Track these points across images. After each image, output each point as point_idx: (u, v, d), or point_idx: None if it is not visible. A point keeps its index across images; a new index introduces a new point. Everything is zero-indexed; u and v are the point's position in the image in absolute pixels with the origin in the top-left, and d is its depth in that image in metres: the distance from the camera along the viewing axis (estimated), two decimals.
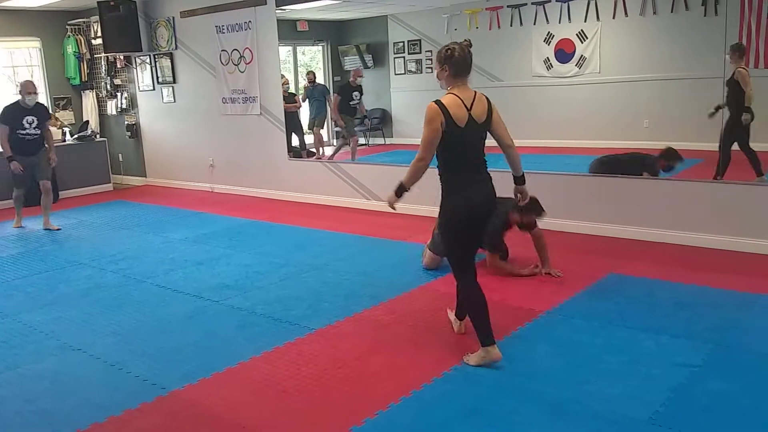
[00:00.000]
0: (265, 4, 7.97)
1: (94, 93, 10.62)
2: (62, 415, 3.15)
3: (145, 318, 4.42)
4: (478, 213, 3.45)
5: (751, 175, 5.57)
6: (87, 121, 10.28)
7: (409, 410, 3.04)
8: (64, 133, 9.83)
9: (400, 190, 3.50)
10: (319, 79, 9.70)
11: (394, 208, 3.65)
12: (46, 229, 7.30)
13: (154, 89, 9.81)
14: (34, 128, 7.02)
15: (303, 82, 9.60)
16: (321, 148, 9.19)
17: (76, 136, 9.90)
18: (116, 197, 9.42)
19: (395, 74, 9.27)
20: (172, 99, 9.62)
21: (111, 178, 10.23)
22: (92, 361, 3.76)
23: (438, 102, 3.32)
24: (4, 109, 6.99)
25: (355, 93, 8.86)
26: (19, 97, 7.02)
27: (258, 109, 8.45)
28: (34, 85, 7.11)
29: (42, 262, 5.96)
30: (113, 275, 5.43)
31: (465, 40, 3.46)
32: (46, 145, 7.23)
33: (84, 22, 10.29)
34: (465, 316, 3.82)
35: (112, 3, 9.21)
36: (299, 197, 8.22)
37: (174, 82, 9.51)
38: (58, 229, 7.27)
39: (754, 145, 5.67)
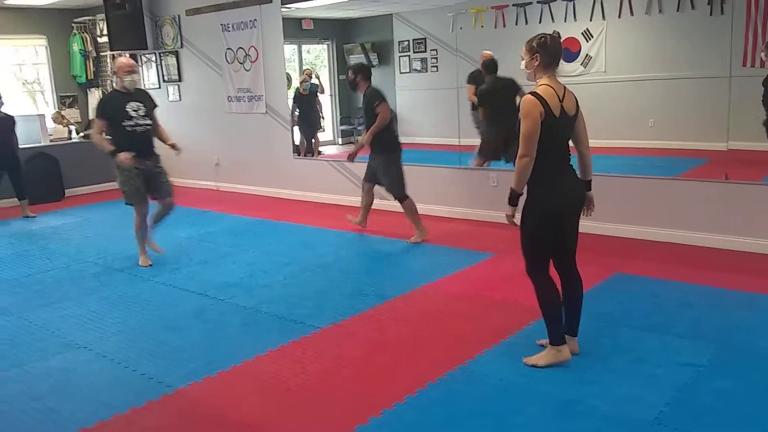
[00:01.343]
0: (271, 2, 7.98)
1: (100, 91, 10.64)
2: (68, 413, 3.17)
3: (151, 316, 4.43)
4: (576, 205, 3.40)
5: (757, 175, 5.54)
6: (93, 119, 10.30)
7: (414, 409, 3.04)
8: (70, 131, 9.85)
9: (514, 198, 3.29)
10: (324, 78, 9.72)
11: (514, 223, 3.37)
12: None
13: (159, 87, 9.83)
14: (143, 116, 5.41)
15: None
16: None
17: (82, 134, 9.92)
18: (122, 196, 9.42)
19: (400, 73, 9.26)
20: (178, 97, 9.63)
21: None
22: (98, 359, 3.77)
23: (534, 93, 3.21)
24: (101, 100, 5.69)
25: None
26: (116, 81, 5.54)
27: (263, 107, 8.46)
28: (132, 63, 5.44)
29: (48, 260, 5.98)
30: (119, 273, 5.45)
31: (554, 32, 3.35)
32: (164, 141, 5.79)
33: (90, 20, 10.32)
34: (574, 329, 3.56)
35: (117, 1, 9.23)
36: (304, 196, 8.23)
37: (179, 80, 9.52)
38: (163, 253, 5.79)
39: (754, 145, 5.65)
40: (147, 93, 5.69)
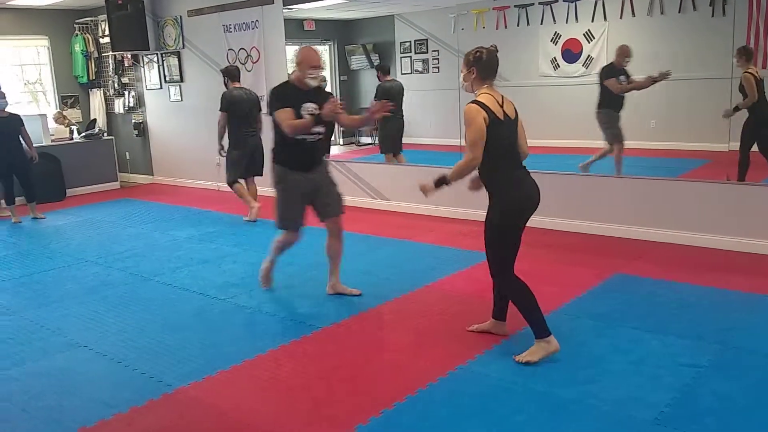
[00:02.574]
0: (272, 3, 7.99)
1: (102, 91, 10.67)
2: (68, 412, 3.17)
3: (152, 315, 4.44)
4: (534, 205, 3.51)
5: (758, 176, 5.54)
6: (94, 120, 10.32)
7: (414, 409, 3.04)
8: (71, 132, 9.87)
9: (441, 182, 3.50)
10: (327, 79, 9.72)
11: (425, 195, 3.64)
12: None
13: (161, 88, 9.84)
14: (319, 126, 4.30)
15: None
16: None
17: (83, 134, 9.93)
18: (123, 195, 9.46)
19: (402, 74, 9.27)
20: (179, 98, 9.64)
21: (118, 176, 10.27)
22: (99, 358, 3.78)
23: (476, 101, 3.34)
24: (276, 90, 4.46)
25: None
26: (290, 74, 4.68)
27: (265, 108, 8.44)
28: (320, 58, 4.40)
29: (49, 260, 5.98)
30: (120, 273, 5.45)
31: (492, 45, 3.47)
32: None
33: (92, 20, 10.33)
34: (504, 315, 3.79)
35: (119, 2, 9.24)
36: None
37: (181, 80, 9.53)
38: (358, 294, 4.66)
39: (755, 147, 5.64)
40: (328, 94, 4.49)
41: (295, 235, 4.60)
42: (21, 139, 7.55)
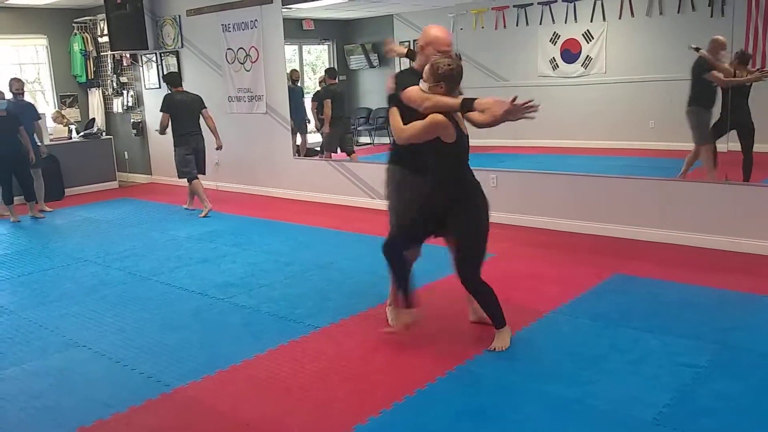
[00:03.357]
0: (271, 2, 7.98)
1: (101, 91, 10.65)
2: (66, 412, 3.16)
3: (150, 315, 4.43)
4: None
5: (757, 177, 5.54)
6: (93, 119, 10.31)
7: (413, 409, 3.04)
8: (70, 131, 9.86)
9: (393, 100, 3.54)
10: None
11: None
12: None
13: (160, 87, 9.83)
14: None
15: (309, 81, 9.62)
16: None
17: (82, 133, 9.93)
18: (122, 195, 9.45)
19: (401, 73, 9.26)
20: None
21: (117, 175, 10.27)
22: (97, 358, 3.77)
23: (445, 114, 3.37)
24: (400, 74, 3.79)
25: None
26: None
27: (264, 107, 8.46)
28: (447, 37, 3.71)
29: (48, 259, 5.98)
30: (118, 272, 5.44)
31: (457, 54, 3.47)
32: None
33: (90, 19, 10.32)
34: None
35: (118, 1, 9.23)
36: (304, 196, 8.23)
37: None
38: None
39: (755, 147, 5.64)
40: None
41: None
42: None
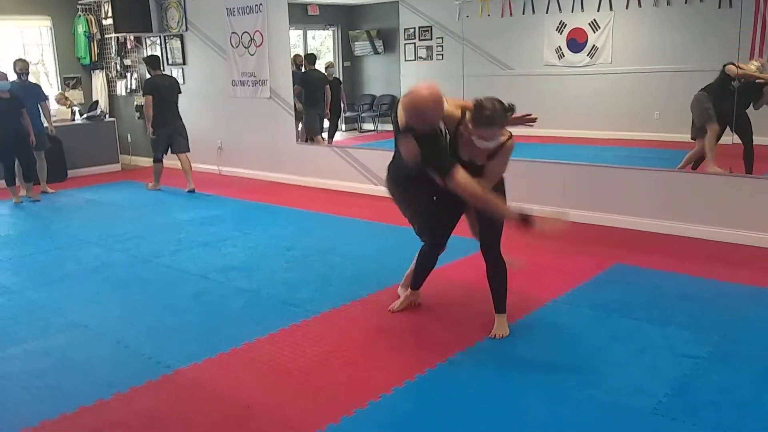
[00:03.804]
0: None
1: (104, 73, 10.62)
2: (68, 391, 3.18)
3: (152, 297, 4.44)
4: None
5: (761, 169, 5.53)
6: (96, 101, 10.29)
7: (412, 395, 3.05)
8: (73, 113, 9.84)
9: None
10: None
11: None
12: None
13: (163, 70, 9.80)
14: None
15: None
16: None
17: (85, 115, 9.91)
18: (124, 177, 9.45)
19: (405, 60, 9.22)
20: (182, 81, 9.59)
21: (119, 158, 10.26)
22: (98, 339, 3.78)
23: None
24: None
25: None
26: None
27: (267, 92, 8.43)
28: None
29: (50, 240, 5.99)
30: (120, 254, 5.45)
31: (510, 104, 3.36)
32: None
33: (95, 1, 10.28)
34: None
35: None
36: (307, 181, 8.22)
37: (184, 63, 9.50)
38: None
39: (759, 140, 5.63)
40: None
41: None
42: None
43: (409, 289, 4.05)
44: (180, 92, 8.11)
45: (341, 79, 9.72)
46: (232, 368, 3.37)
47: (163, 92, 7.82)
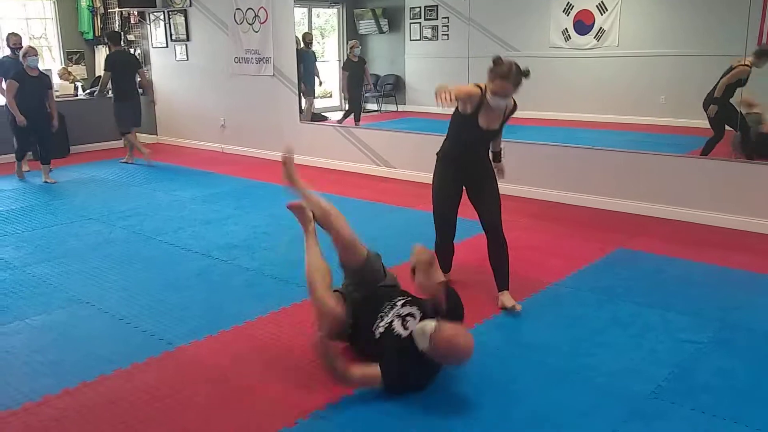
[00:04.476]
0: None
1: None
2: (69, 366, 3.20)
3: (154, 274, 4.45)
4: None
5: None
6: (99, 77, 10.23)
7: None
8: (76, 88, 9.80)
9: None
10: (333, 43, 9.63)
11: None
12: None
13: (167, 46, 9.75)
14: None
15: (318, 45, 9.50)
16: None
17: (88, 91, 9.87)
18: (127, 154, 9.41)
19: (410, 40, 9.16)
20: (185, 57, 9.55)
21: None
22: (100, 315, 3.80)
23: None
24: None
25: None
26: None
27: (271, 70, 8.38)
28: None
29: (52, 216, 5.99)
30: (123, 231, 5.46)
31: (525, 68, 3.54)
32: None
33: None
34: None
35: None
36: (309, 161, 8.19)
37: (187, 39, 9.43)
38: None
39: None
40: None
41: None
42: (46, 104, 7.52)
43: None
44: (140, 67, 8.57)
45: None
46: (234, 346, 3.38)
47: (121, 68, 8.24)
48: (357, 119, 8.81)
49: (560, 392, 2.90)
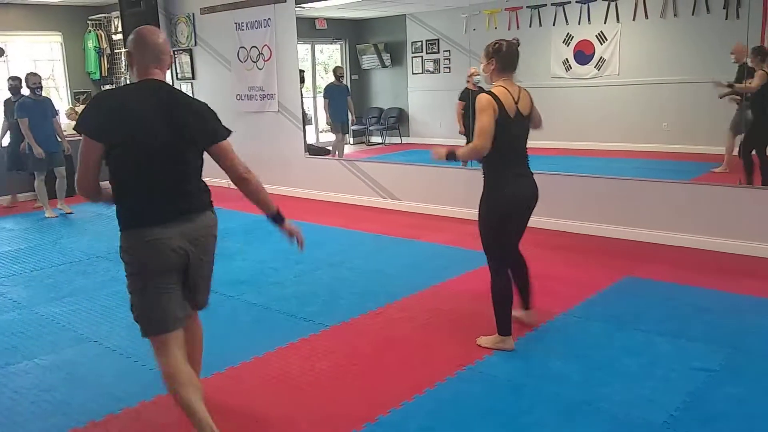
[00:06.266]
0: (285, 1, 8.00)
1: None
2: (78, 406, 3.18)
3: None
4: (524, 206, 3.58)
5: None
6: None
7: (422, 408, 3.03)
8: None
9: (451, 156, 3.47)
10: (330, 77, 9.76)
11: (434, 157, 3.57)
12: None
13: (172, 85, 9.86)
14: None
15: (320, 80, 9.61)
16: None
17: None
18: None
19: (413, 73, 9.27)
20: (191, 95, 9.66)
21: None
22: (108, 353, 3.79)
23: (489, 92, 3.38)
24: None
25: None
26: None
27: (275, 106, 8.47)
28: None
29: (60, 255, 6.01)
30: None
31: (514, 39, 3.52)
32: None
33: (105, 17, 10.39)
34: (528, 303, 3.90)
35: None
36: (315, 195, 8.24)
37: (193, 78, 9.57)
38: None
39: None
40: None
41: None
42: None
43: (520, 310, 3.90)
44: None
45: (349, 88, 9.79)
46: (242, 382, 3.36)
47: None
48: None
49: (573, 424, 2.86)
